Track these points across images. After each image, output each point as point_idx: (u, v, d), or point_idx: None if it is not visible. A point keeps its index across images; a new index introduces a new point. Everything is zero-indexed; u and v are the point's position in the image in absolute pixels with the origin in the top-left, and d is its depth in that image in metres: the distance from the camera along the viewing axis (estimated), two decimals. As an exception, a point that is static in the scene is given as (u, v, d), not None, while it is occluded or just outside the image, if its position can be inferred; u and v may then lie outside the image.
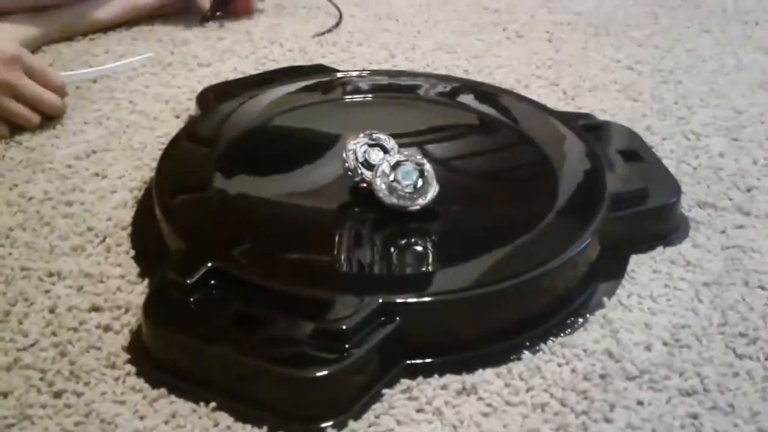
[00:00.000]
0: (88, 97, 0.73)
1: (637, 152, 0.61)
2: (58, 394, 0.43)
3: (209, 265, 0.46)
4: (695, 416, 0.42)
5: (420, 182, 0.52)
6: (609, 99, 0.75)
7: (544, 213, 0.53)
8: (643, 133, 0.67)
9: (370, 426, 0.41)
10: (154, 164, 0.59)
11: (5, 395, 0.43)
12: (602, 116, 0.70)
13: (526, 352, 0.46)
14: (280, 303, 0.45)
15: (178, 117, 0.71)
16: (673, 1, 0.99)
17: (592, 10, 0.96)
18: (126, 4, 0.87)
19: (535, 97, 0.71)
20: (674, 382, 0.44)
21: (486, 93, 0.69)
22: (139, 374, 0.44)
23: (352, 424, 0.41)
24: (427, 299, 0.46)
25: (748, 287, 0.51)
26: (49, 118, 0.69)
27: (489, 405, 0.43)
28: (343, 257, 0.50)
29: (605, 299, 0.50)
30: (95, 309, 0.48)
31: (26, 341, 0.46)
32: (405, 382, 0.44)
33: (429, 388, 0.44)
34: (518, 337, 0.47)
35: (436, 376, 0.44)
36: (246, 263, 0.49)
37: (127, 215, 0.57)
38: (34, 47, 0.81)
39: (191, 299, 0.45)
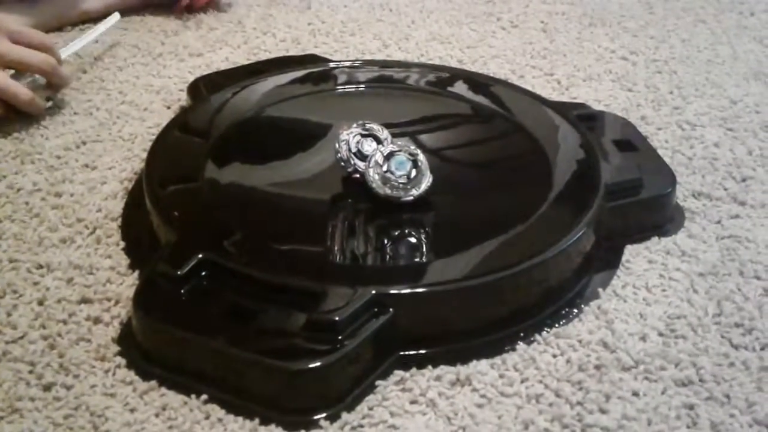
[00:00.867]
0: (77, 88, 0.72)
1: (631, 142, 0.61)
2: (47, 387, 0.42)
3: (200, 256, 0.46)
4: (691, 407, 0.42)
5: (413, 173, 0.52)
6: (603, 89, 0.74)
7: (538, 203, 0.52)
8: (637, 123, 0.67)
9: (363, 418, 0.41)
10: (145, 155, 0.59)
11: (-7, 388, 0.42)
12: (597, 106, 0.70)
13: (520, 342, 0.46)
14: (272, 294, 0.44)
15: (169, 108, 0.70)
16: (667, -9, 0.99)
17: (586, 0, 0.95)
18: (116, -7, 0.86)
19: (529, 87, 0.70)
20: (669, 372, 0.44)
21: (480, 83, 0.68)
22: (129, 366, 0.43)
23: (345, 415, 0.41)
24: (420, 290, 0.46)
25: (744, 277, 0.51)
26: (53, 88, 0.67)
27: (483, 396, 0.42)
28: (335, 248, 0.50)
29: (600, 290, 0.50)
30: (85, 301, 0.48)
31: (15, 333, 0.45)
32: (398, 374, 0.43)
33: (423, 379, 0.43)
34: (512, 328, 0.46)
35: (429, 367, 0.44)
36: (237, 254, 0.48)
37: (117, 206, 0.56)
38: (23, 37, 0.80)
39: (182, 291, 0.45)
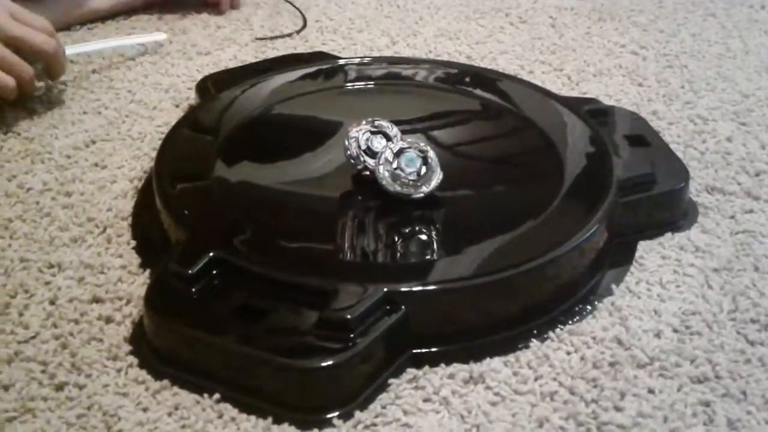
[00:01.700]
0: (86, 87, 0.72)
1: (643, 137, 0.60)
2: (59, 387, 0.42)
3: (211, 255, 0.45)
4: (707, 404, 0.41)
5: (423, 169, 0.52)
6: (614, 84, 0.74)
7: (550, 199, 0.52)
8: (649, 117, 0.66)
9: (376, 416, 0.41)
10: (154, 154, 0.59)
11: (6, 388, 0.42)
12: (607, 101, 0.70)
13: (533, 340, 0.45)
14: (283, 293, 0.44)
15: (177, 106, 0.70)
16: (677, -16, 0.98)
17: (595, -5, 0.95)
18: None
19: (539, 83, 0.70)
20: (685, 369, 0.43)
21: (489, 79, 0.68)
22: (141, 366, 0.43)
23: (358, 414, 0.41)
24: (432, 288, 0.45)
25: (759, 272, 0.50)
26: (51, 75, 0.67)
27: (497, 394, 0.42)
28: (346, 246, 0.50)
29: (613, 286, 0.49)
30: (96, 300, 0.48)
31: (27, 333, 0.45)
32: (411, 372, 0.43)
33: (436, 377, 0.43)
34: (526, 325, 0.46)
35: (442, 365, 0.43)
36: (248, 253, 0.48)
37: (128, 205, 0.56)
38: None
39: (193, 290, 0.44)
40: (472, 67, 0.73)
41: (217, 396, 0.41)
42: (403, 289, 0.44)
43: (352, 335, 0.41)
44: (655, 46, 0.82)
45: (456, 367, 0.43)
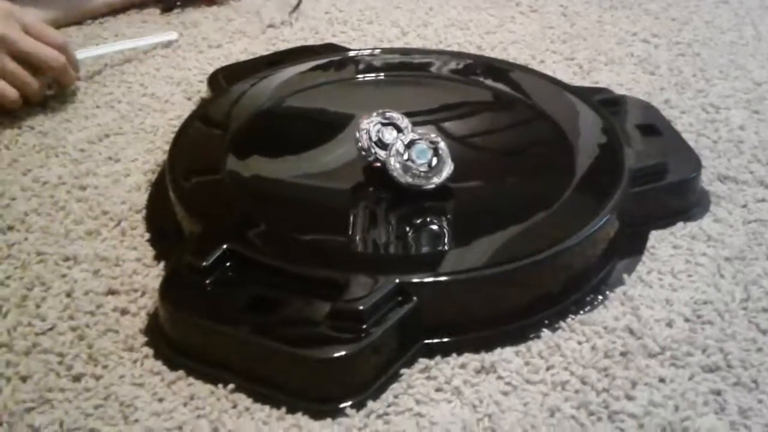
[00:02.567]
0: (99, 81, 0.73)
1: (655, 126, 0.60)
2: (77, 378, 0.43)
3: (224, 247, 0.46)
4: (718, 392, 0.41)
5: (435, 161, 0.52)
6: (626, 73, 0.74)
7: (561, 190, 0.52)
8: (661, 106, 0.66)
9: (389, 406, 0.41)
10: (167, 147, 0.59)
11: (24, 379, 0.43)
12: (619, 90, 0.69)
13: (545, 330, 0.45)
14: (296, 284, 0.44)
15: (189, 99, 0.70)
16: (689, -29, 0.97)
17: (606, -17, 0.94)
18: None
19: (550, 73, 0.69)
20: (696, 358, 0.43)
21: (500, 69, 0.68)
22: (156, 357, 0.44)
23: (370, 404, 0.41)
24: (443, 278, 0.45)
25: (771, 262, 0.50)
26: (60, 85, 0.68)
27: (509, 384, 0.42)
28: (358, 237, 0.50)
29: (625, 276, 0.49)
30: (112, 292, 0.48)
31: (44, 325, 0.46)
32: (423, 362, 0.43)
33: (447, 367, 0.43)
34: (537, 315, 0.46)
35: (454, 355, 0.44)
36: (261, 245, 0.48)
37: (141, 198, 0.57)
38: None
39: (207, 281, 0.45)
40: (483, 57, 0.73)
41: (231, 386, 0.42)
42: (414, 280, 0.44)
43: (364, 326, 0.42)
44: (667, 34, 0.81)
45: (468, 357, 0.44)
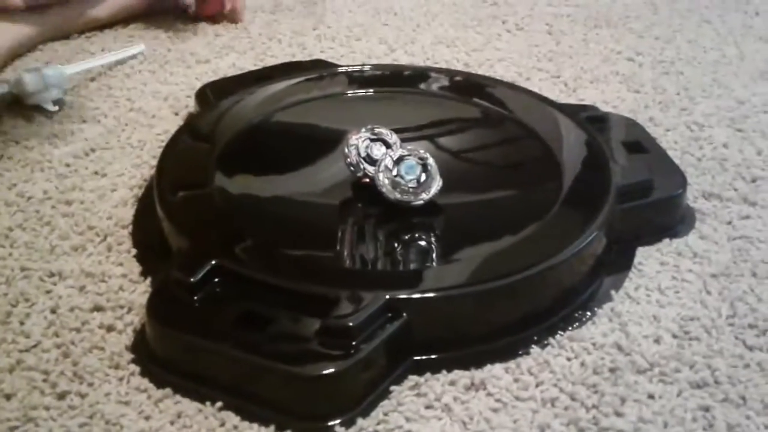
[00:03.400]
0: (85, 95, 0.72)
1: (641, 144, 0.61)
2: (61, 396, 0.42)
3: (213, 263, 0.46)
4: (707, 409, 0.42)
5: (423, 177, 0.52)
6: (611, 90, 0.74)
7: (549, 206, 0.52)
8: (645, 124, 0.67)
9: (378, 423, 0.41)
10: (154, 162, 0.59)
11: (8, 397, 0.42)
12: (604, 108, 0.70)
13: (534, 346, 0.45)
14: (285, 300, 0.44)
15: (177, 114, 0.70)
16: (672, -9, 0.99)
17: (591, 2, 0.95)
18: (122, 1, 0.86)
19: (536, 90, 0.70)
20: (685, 374, 0.44)
21: (487, 86, 0.68)
22: (143, 374, 0.43)
23: (360, 421, 0.41)
24: (433, 295, 0.45)
25: (756, 278, 0.51)
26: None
27: (498, 400, 0.42)
28: (347, 253, 0.50)
29: (613, 292, 0.49)
30: (97, 309, 0.48)
31: (28, 342, 0.45)
32: (413, 379, 0.43)
33: (437, 384, 0.43)
34: (526, 332, 0.46)
35: (444, 371, 0.44)
36: (250, 261, 0.48)
37: (128, 213, 0.57)
38: (31, 45, 0.80)
39: (195, 298, 0.45)
40: (470, 74, 0.73)
41: (219, 404, 0.41)
42: (404, 297, 0.44)
43: (354, 342, 0.41)
44: (651, 52, 0.82)
45: (457, 374, 0.44)
